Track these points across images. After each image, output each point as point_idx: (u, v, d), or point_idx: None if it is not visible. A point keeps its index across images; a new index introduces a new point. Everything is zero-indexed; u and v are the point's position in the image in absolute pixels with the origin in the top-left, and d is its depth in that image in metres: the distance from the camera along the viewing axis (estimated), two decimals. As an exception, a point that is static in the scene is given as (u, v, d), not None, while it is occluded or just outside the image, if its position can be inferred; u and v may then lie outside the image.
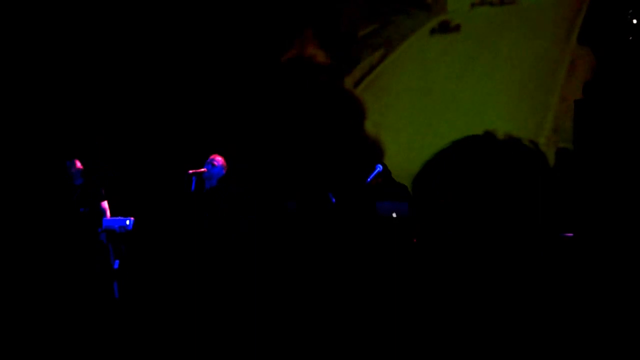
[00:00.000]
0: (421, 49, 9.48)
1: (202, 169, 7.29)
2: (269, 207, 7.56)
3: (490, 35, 9.04)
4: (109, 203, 7.60)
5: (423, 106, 9.29)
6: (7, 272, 7.05)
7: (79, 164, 7.62)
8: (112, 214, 7.53)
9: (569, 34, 8.77)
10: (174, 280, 6.91)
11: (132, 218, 7.24)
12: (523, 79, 8.89)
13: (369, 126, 9.69)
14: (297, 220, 7.05)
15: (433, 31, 9.41)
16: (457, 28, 9.22)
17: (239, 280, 6.72)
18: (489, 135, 1.88)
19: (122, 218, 7.24)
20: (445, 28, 9.31)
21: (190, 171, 7.25)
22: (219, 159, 7.29)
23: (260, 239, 6.94)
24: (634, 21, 5.92)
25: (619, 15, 7.03)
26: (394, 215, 6.78)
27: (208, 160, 7.25)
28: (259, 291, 6.67)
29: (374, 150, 9.43)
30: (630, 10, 6.05)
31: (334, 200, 7.06)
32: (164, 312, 6.61)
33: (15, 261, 7.16)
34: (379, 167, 7.31)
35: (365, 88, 9.83)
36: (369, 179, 7.24)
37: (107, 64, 9.62)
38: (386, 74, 9.76)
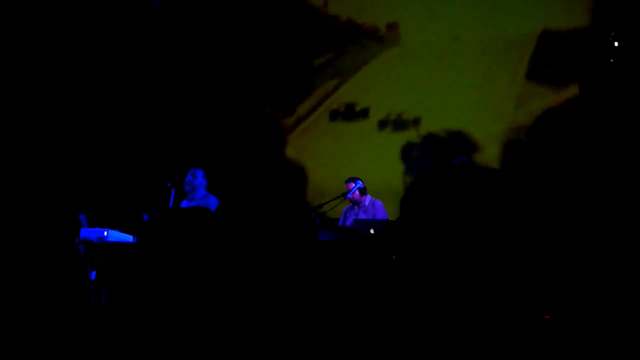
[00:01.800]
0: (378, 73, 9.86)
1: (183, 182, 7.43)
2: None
3: (444, 65, 9.47)
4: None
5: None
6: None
7: None
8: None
9: (517, 69, 9.27)
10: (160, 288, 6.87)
11: (110, 229, 7.19)
12: (472, 107, 9.34)
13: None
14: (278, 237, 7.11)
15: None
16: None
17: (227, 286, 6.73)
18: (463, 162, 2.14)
19: (99, 229, 7.18)
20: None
21: (169, 184, 7.33)
22: (198, 171, 7.44)
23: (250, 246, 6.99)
24: (615, 44, 6.38)
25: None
26: (372, 231, 6.90)
27: (189, 172, 7.38)
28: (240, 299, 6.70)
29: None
30: (612, 33, 6.52)
31: (313, 216, 7.19)
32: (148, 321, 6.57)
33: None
34: (359, 183, 7.53)
35: (319, 115, 10.10)
36: (349, 195, 7.45)
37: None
38: (340, 102, 10.06)
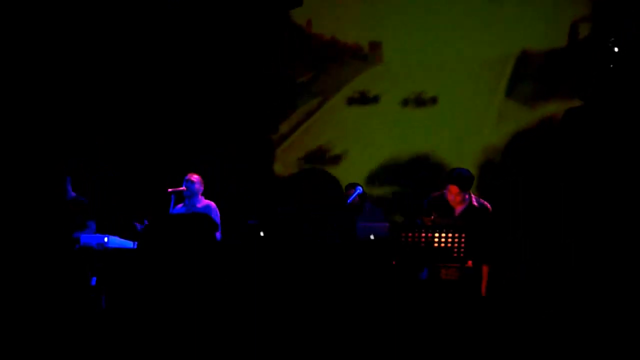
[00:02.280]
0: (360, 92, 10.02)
1: (182, 188, 7.38)
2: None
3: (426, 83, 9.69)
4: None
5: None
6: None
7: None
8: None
9: (497, 87, 9.51)
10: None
11: (110, 235, 7.10)
12: (451, 126, 9.54)
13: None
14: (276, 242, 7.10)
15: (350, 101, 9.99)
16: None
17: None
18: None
19: (100, 235, 7.09)
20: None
21: (170, 190, 7.30)
22: (195, 177, 7.44)
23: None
24: (615, 49, 6.60)
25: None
26: (372, 237, 6.92)
27: (186, 179, 7.38)
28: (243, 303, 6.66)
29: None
30: (612, 39, 6.75)
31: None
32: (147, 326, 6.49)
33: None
34: (359, 189, 7.59)
35: (302, 133, 10.17)
36: (349, 200, 7.49)
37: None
38: (321, 121, 10.17)
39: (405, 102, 9.79)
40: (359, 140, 9.96)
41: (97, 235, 7.12)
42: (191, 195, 7.47)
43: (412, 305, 6.10)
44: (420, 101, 9.73)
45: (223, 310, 6.44)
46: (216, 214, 7.53)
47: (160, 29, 9.89)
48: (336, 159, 9.92)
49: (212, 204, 7.60)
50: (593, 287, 7.24)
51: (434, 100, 9.68)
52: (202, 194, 7.64)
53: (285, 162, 10.21)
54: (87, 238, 7.11)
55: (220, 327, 6.33)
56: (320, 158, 10.06)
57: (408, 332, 5.99)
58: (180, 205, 7.66)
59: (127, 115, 9.65)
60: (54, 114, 9.06)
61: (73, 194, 7.67)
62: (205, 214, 7.15)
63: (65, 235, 7.11)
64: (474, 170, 7.32)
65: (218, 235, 7.43)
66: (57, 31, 9.24)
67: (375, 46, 10.03)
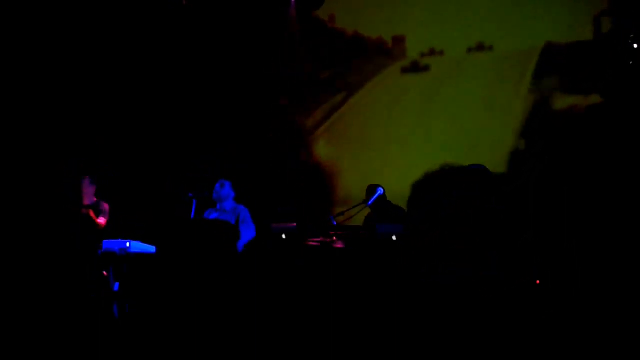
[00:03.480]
0: (383, 90, 9.97)
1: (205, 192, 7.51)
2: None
3: (454, 79, 9.60)
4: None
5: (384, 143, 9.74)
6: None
7: (89, 183, 7.63)
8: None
9: (521, 81, 9.43)
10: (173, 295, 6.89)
11: (132, 240, 7.22)
12: (477, 120, 9.48)
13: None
14: (299, 241, 7.17)
15: (404, 70, 9.91)
16: (426, 68, 9.76)
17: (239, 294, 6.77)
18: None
19: (122, 240, 7.21)
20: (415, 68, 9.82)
21: (190, 194, 7.40)
22: (227, 182, 7.57)
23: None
24: (635, 46, 6.51)
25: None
26: (394, 237, 6.94)
27: (218, 182, 7.51)
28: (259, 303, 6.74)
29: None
30: (632, 35, 6.64)
31: (334, 223, 7.26)
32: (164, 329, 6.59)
33: (11, 270, 7.00)
34: (380, 190, 7.62)
35: (326, 130, 10.20)
36: (370, 202, 7.53)
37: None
38: (348, 116, 10.17)
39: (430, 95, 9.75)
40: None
41: (119, 240, 7.24)
42: (219, 198, 7.61)
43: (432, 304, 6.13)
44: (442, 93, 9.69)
45: (240, 312, 6.54)
46: (247, 215, 7.63)
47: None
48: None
49: (242, 207, 7.71)
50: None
51: (458, 91, 9.62)
52: (235, 200, 7.77)
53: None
54: (110, 243, 7.24)
55: (237, 327, 6.43)
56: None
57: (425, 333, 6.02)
58: (210, 209, 7.80)
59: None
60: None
61: (94, 198, 7.80)
62: (225, 221, 7.23)
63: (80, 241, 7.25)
64: (498, 163, 7.24)
65: (251, 234, 7.55)
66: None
67: (399, 40, 9.98)
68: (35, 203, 7.85)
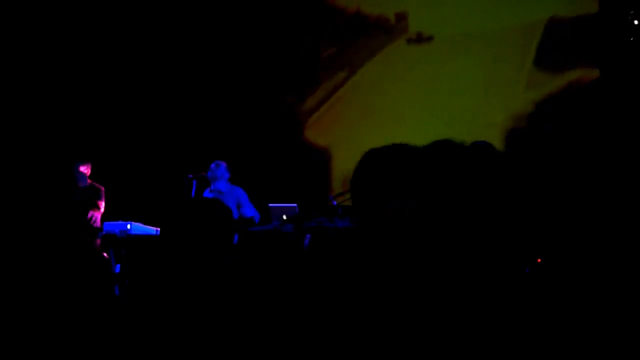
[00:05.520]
0: (385, 68, 9.87)
1: (203, 173, 7.45)
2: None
3: (457, 54, 9.49)
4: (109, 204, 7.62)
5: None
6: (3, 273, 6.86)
7: (85, 169, 7.61)
8: (111, 216, 7.54)
9: (525, 57, 9.31)
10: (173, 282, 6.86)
11: (133, 222, 7.21)
12: (479, 96, 9.38)
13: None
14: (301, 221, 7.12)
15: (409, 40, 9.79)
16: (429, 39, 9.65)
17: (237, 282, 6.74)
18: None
19: (123, 222, 7.19)
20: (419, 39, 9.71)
21: (190, 175, 7.37)
22: (222, 162, 7.49)
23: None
24: (635, 22, 6.41)
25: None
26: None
27: (213, 162, 7.45)
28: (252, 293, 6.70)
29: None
30: (632, 11, 6.55)
31: (335, 203, 7.23)
32: (165, 311, 6.57)
33: (13, 261, 6.98)
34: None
35: (328, 108, 10.11)
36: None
37: (108, 64, 9.55)
38: (350, 93, 10.07)
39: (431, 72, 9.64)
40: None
41: (120, 222, 7.23)
42: (214, 178, 7.50)
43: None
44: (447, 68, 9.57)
45: (244, 296, 6.51)
46: (243, 197, 7.57)
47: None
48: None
49: (240, 189, 7.63)
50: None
51: (461, 67, 9.51)
52: (231, 181, 7.68)
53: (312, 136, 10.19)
54: (111, 225, 7.23)
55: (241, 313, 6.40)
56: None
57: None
58: (206, 190, 7.74)
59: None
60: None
61: (87, 181, 7.76)
62: (215, 199, 7.19)
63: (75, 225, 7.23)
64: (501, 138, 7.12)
65: (250, 212, 7.50)
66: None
67: (401, 17, 9.86)
68: (30, 195, 7.85)
